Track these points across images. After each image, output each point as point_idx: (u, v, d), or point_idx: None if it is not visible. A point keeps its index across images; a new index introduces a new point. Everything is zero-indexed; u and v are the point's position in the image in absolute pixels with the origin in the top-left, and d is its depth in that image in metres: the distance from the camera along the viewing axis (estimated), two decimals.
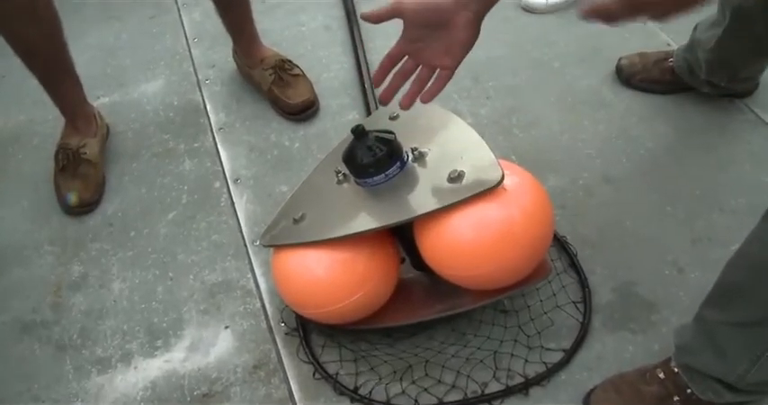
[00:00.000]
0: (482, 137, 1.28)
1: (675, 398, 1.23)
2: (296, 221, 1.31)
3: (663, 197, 1.67)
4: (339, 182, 1.32)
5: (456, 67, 1.06)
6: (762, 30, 1.56)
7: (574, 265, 1.52)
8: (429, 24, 1.05)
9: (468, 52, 1.06)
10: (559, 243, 1.55)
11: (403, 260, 1.40)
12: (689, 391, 1.22)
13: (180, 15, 2.35)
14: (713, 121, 1.86)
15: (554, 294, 1.47)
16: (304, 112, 1.91)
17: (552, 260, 1.49)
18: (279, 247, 1.33)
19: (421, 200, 1.20)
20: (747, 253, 1.09)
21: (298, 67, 1.97)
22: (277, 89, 1.90)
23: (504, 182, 1.16)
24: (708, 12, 1.72)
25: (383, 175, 1.24)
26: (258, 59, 1.95)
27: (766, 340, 1.08)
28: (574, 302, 1.46)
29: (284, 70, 1.93)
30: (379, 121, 1.41)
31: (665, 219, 1.63)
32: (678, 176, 1.72)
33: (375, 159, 1.22)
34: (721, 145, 1.80)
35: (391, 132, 1.26)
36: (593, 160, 1.77)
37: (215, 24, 1.97)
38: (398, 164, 1.24)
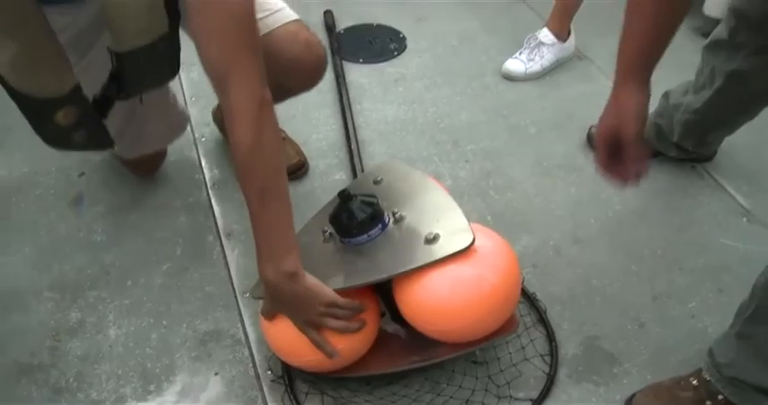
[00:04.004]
0: (461, 198, 1.42)
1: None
2: None
3: (628, 257, 1.78)
4: (325, 240, 1.44)
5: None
6: (753, 90, 1.67)
7: (542, 320, 1.61)
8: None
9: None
10: (529, 299, 1.64)
11: (383, 313, 1.50)
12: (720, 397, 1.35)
13: (179, 75, 2.43)
14: (676, 185, 1.98)
15: (523, 347, 1.56)
16: (294, 173, 2.00)
17: (522, 315, 1.60)
18: None
19: (400, 259, 1.32)
20: None
21: (282, 130, 2.04)
22: None
23: (476, 244, 1.28)
24: (672, 81, 1.87)
25: (366, 235, 1.36)
26: None
27: None
28: (541, 355, 1.55)
29: None
30: (364, 185, 1.54)
31: (629, 277, 1.73)
32: (642, 237, 1.83)
33: (359, 221, 1.35)
34: (683, 208, 1.92)
35: (374, 196, 1.38)
36: (564, 221, 1.88)
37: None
38: (380, 226, 1.37)
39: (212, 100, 2.23)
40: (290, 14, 1.61)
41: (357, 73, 2.46)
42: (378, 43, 2.62)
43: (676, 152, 1.97)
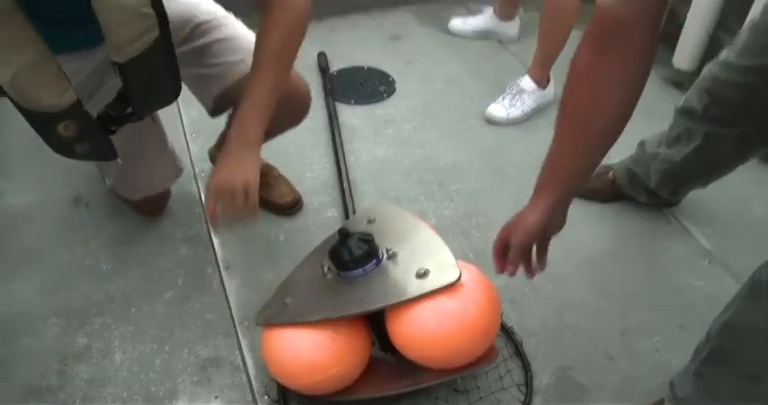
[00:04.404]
0: (445, 236, 1.55)
1: None
2: (286, 305, 1.54)
3: (599, 294, 1.91)
4: (324, 273, 1.57)
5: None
6: (730, 151, 1.77)
7: (519, 352, 1.73)
8: None
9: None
10: (507, 332, 1.76)
11: (374, 342, 1.62)
12: None
13: (179, 111, 2.55)
14: (646, 228, 2.12)
15: (501, 377, 1.67)
16: (288, 210, 2.13)
17: (500, 348, 1.71)
18: (270, 326, 1.55)
19: (392, 292, 1.45)
20: (739, 323, 1.31)
21: (275, 168, 2.18)
22: (263, 191, 2.01)
23: (461, 279, 1.42)
24: (641, 127, 1.96)
25: (362, 269, 1.49)
26: None
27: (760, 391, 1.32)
28: (517, 385, 1.67)
29: (265, 174, 2.05)
30: (358, 224, 1.67)
31: (599, 313, 1.85)
32: (614, 276, 1.96)
33: (356, 256, 1.48)
34: (652, 249, 2.06)
35: (370, 234, 1.51)
36: None
37: (211, 121, 2.05)
38: (375, 261, 1.50)
39: (211, 136, 2.30)
40: None
41: (349, 113, 2.59)
42: (368, 85, 2.76)
43: (647, 198, 2.10)
